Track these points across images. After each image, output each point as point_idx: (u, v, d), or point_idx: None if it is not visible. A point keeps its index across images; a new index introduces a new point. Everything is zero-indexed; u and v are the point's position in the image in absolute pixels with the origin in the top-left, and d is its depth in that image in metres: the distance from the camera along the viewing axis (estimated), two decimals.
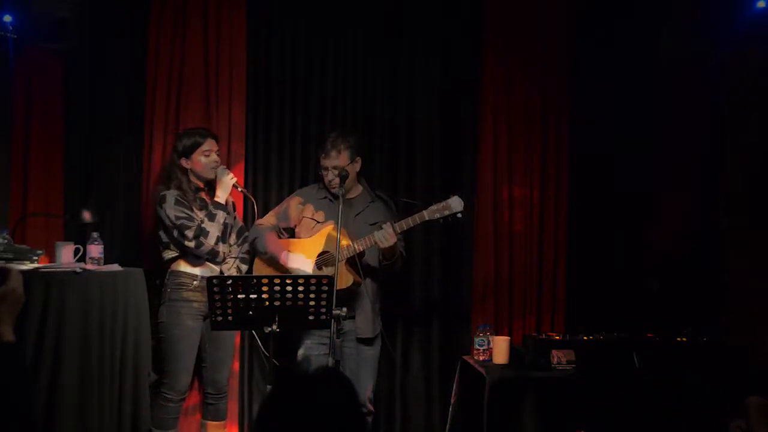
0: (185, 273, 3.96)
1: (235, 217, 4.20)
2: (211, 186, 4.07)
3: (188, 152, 3.99)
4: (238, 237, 4.16)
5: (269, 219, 4.18)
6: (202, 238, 3.89)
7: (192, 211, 3.95)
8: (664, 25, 4.66)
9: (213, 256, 3.99)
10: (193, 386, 4.20)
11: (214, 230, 3.92)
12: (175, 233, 3.91)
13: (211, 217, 3.94)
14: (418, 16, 4.66)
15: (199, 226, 3.90)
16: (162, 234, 3.99)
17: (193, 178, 4.02)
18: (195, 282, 3.95)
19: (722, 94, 4.64)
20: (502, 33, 4.64)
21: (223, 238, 4.03)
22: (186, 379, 3.97)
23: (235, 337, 4.21)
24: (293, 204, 4.17)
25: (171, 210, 3.90)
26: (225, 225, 4.02)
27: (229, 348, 4.14)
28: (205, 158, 4.00)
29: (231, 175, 4.04)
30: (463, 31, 4.68)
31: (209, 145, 4.02)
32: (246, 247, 4.17)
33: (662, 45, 4.66)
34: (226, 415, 4.21)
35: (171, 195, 3.94)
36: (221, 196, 4.00)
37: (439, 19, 4.67)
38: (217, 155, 4.06)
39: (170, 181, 3.99)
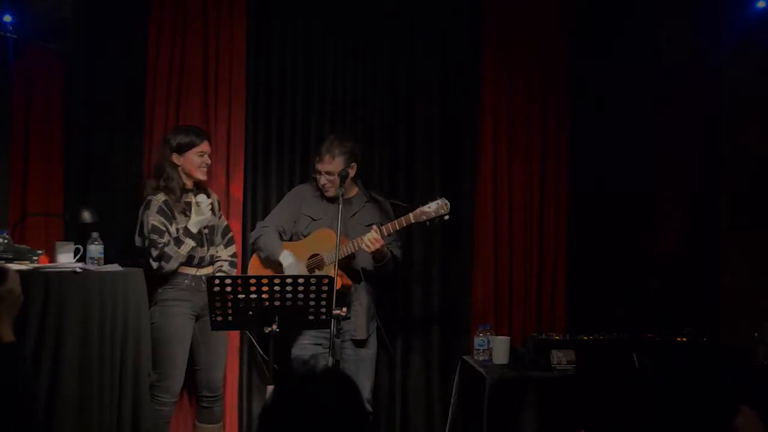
0: (176, 272, 3.90)
1: (220, 216, 4.16)
2: (199, 186, 4.03)
3: (182, 149, 3.95)
4: (222, 237, 4.12)
5: (271, 219, 4.19)
6: (163, 262, 3.83)
7: (172, 221, 3.89)
8: (664, 24, 4.66)
9: (200, 262, 3.96)
10: (184, 388, 4.16)
11: (177, 256, 3.84)
12: (146, 243, 3.88)
13: (178, 243, 3.86)
14: (418, 16, 4.66)
15: (162, 249, 3.82)
16: (137, 238, 3.96)
17: (183, 176, 3.99)
18: (186, 281, 3.91)
19: (722, 94, 4.64)
20: (502, 33, 4.65)
21: (211, 240, 4.02)
22: (180, 381, 3.92)
23: (228, 338, 4.16)
24: (291, 203, 4.19)
25: (151, 218, 3.86)
26: (211, 227, 4.01)
27: (222, 349, 4.09)
28: (199, 158, 3.98)
29: (208, 202, 3.96)
30: (463, 31, 4.68)
31: (204, 147, 4.01)
32: (233, 249, 4.15)
33: (662, 45, 4.66)
34: (222, 417, 4.17)
35: (156, 201, 3.90)
36: (194, 227, 3.89)
37: (439, 19, 4.66)
38: (210, 158, 4.05)
39: (161, 175, 3.95)
